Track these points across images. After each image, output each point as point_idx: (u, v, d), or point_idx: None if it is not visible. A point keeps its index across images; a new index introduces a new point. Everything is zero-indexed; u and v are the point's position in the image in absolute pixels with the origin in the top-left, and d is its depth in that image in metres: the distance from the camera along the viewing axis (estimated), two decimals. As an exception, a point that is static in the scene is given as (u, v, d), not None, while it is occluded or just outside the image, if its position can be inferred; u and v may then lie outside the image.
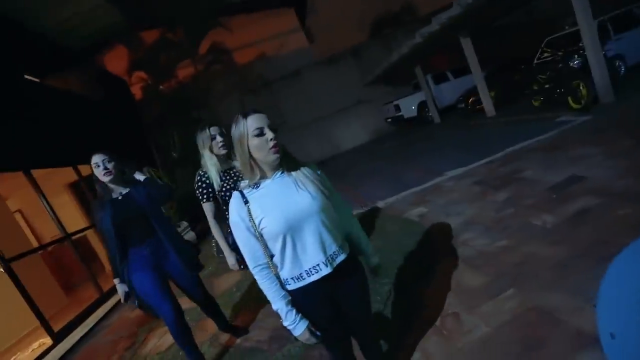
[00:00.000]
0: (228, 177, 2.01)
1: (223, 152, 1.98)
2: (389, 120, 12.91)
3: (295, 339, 1.21)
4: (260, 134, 1.10)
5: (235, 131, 1.14)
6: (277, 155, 1.12)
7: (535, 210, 2.75)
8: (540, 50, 7.04)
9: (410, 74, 11.41)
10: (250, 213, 1.12)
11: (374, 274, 1.47)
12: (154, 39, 12.51)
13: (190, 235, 6.00)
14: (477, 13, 6.42)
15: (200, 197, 2.00)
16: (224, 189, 1.98)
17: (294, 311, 1.16)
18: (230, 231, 2.01)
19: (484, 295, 2.04)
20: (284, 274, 1.17)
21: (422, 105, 11.55)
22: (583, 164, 3.26)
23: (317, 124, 13.32)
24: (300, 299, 1.18)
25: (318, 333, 1.19)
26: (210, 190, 1.98)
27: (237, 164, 2.06)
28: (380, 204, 4.63)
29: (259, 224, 1.11)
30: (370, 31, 17.19)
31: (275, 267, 1.17)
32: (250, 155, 1.13)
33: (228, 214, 1.99)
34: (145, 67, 12.25)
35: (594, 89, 5.03)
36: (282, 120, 12.66)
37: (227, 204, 1.97)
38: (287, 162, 1.18)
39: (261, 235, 1.12)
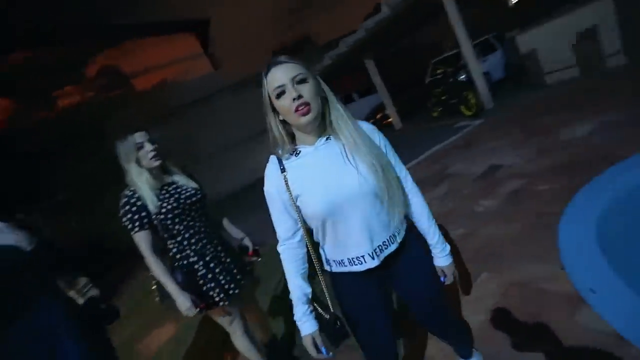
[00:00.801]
0: (168, 195, 1.54)
1: (156, 164, 1.52)
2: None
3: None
4: (281, 93, 0.87)
5: (263, 93, 0.92)
6: (307, 117, 0.88)
7: (474, 198, 2.97)
8: (430, 69, 8.16)
9: (320, 96, 11.97)
10: (287, 184, 0.92)
11: (442, 276, 1.16)
12: (23, 62, 10.27)
13: (93, 294, 4.78)
14: (378, 36, 7.12)
15: (130, 226, 1.47)
16: (163, 210, 1.50)
17: (305, 308, 0.99)
18: (177, 265, 1.56)
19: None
20: (326, 253, 1.02)
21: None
22: (495, 155, 3.73)
23: (233, 152, 12.75)
24: (340, 283, 1.03)
25: (324, 350, 0.98)
26: (143, 214, 1.48)
27: (177, 177, 1.63)
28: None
29: (296, 200, 0.93)
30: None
31: (317, 243, 1.01)
32: (281, 120, 0.93)
33: (172, 243, 1.56)
34: (14, 94, 9.86)
35: (480, 98, 5.98)
36: (195, 150, 11.66)
37: (168, 230, 1.51)
38: (336, 123, 0.93)
39: (299, 211, 0.95)
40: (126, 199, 1.46)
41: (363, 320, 1.04)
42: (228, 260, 1.64)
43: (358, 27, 6.76)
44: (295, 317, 0.99)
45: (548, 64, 5.45)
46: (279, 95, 0.87)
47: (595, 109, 3.69)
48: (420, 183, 3.99)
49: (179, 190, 1.58)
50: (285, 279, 1.04)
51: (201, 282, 1.53)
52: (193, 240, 1.54)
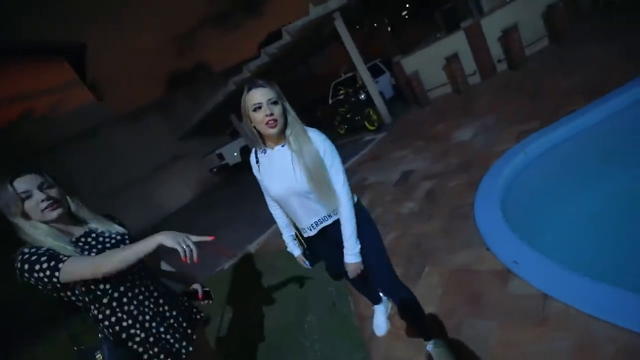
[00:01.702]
0: (88, 248, 1.20)
1: (52, 216, 1.15)
2: (215, 170, 12.54)
3: None
4: (258, 108, 1.17)
5: (242, 103, 1.23)
6: (274, 130, 1.20)
7: (398, 203, 3.25)
8: (332, 90, 8.79)
9: (226, 122, 11.65)
10: (260, 171, 1.36)
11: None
12: None
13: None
14: (280, 61, 7.37)
15: (49, 272, 1.03)
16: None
17: (292, 242, 1.56)
18: (104, 336, 1.22)
19: (409, 282, 2.15)
20: None
21: (244, 150, 11.90)
22: (404, 162, 4.19)
23: (132, 188, 11.21)
24: (309, 243, 1.54)
25: (307, 263, 1.58)
26: (60, 255, 1.07)
27: (94, 224, 1.30)
28: (252, 247, 4.27)
29: (262, 183, 1.39)
30: (167, 86, 16.58)
31: None
32: (254, 126, 1.24)
33: (96, 307, 1.20)
34: None
35: (380, 114, 6.69)
36: (82, 191, 9.79)
37: (90, 292, 1.14)
38: (293, 135, 1.24)
39: None
40: (27, 255, 1.05)
41: (324, 257, 1.60)
42: (174, 313, 1.35)
43: (252, 55, 6.91)
44: (288, 248, 1.58)
45: (428, 83, 6.48)
46: (255, 109, 1.17)
47: (470, 117, 4.52)
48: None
49: (100, 239, 1.24)
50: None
51: (141, 349, 1.21)
52: (125, 300, 1.20)
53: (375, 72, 8.94)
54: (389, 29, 10.87)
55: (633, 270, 1.59)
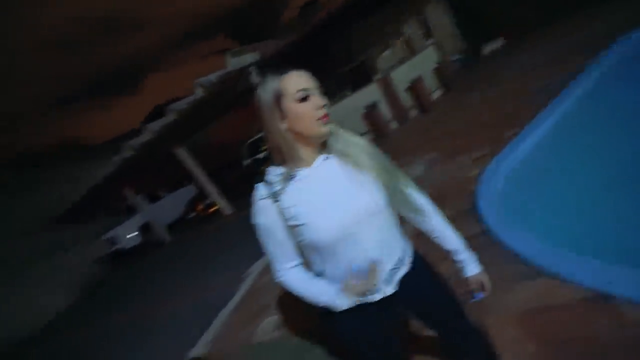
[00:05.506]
0: None
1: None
2: (103, 260, 9.98)
3: None
4: (306, 97, 0.79)
5: (264, 96, 0.81)
6: (326, 129, 0.82)
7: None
8: (246, 151, 8.32)
9: (116, 199, 9.69)
10: (283, 214, 0.83)
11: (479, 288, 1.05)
12: None
13: None
14: (187, 121, 6.60)
15: None
16: None
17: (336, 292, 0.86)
18: None
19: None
20: None
21: (144, 229, 9.93)
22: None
23: None
24: (347, 321, 0.91)
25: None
26: None
27: None
28: (199, 350, 3.10)
29: (296, 231, 0.84)
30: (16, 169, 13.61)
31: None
32: (288, 130, 0.81)
33: None
34: None
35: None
36: None
37: None
38: (335, 141, 0.86)
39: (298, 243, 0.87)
40: None
41: (378, 355, 0.98)
42: None
43: (137, 126, 6.13)
44: (336, 303, 0.86)
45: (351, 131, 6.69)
46: (302, 99, 0.79)
47: (409, 156, 4.65)
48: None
49: None
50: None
51: None
52: None
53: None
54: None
55: None
